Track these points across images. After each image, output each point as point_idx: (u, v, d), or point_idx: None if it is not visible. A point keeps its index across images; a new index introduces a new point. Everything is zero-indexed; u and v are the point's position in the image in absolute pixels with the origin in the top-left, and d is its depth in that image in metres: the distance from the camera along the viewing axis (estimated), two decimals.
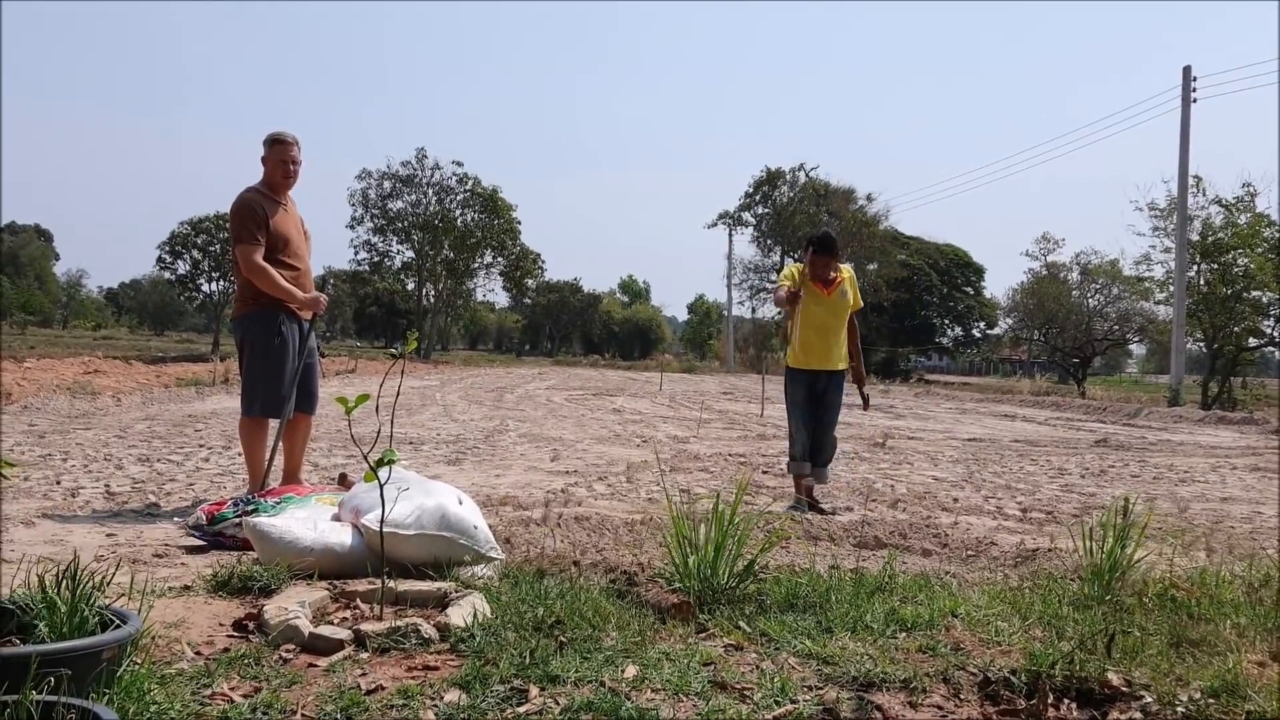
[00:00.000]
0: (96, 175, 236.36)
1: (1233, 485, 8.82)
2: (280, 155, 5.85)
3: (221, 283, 53.26)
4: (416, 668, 2.85)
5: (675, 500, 4.08)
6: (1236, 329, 29.54)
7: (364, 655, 2.93)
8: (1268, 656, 3.06)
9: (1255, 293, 28.58)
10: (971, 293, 60.70)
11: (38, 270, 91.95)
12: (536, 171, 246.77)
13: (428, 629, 3.07)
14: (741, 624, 3.33)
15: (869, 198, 54.64)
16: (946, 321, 61.88)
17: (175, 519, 5.22)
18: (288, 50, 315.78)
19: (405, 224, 57.35)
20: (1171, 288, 28.73)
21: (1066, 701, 2.69)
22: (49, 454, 7.79)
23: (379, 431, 3.92)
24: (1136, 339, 49.27)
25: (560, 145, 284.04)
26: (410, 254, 58.78)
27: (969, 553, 5.10)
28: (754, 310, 60.58)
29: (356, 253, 58.72)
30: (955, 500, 7.13)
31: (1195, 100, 27.06)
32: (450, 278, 59.92)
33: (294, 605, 3.19)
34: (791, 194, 56.94)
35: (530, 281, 67.62)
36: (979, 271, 61.41)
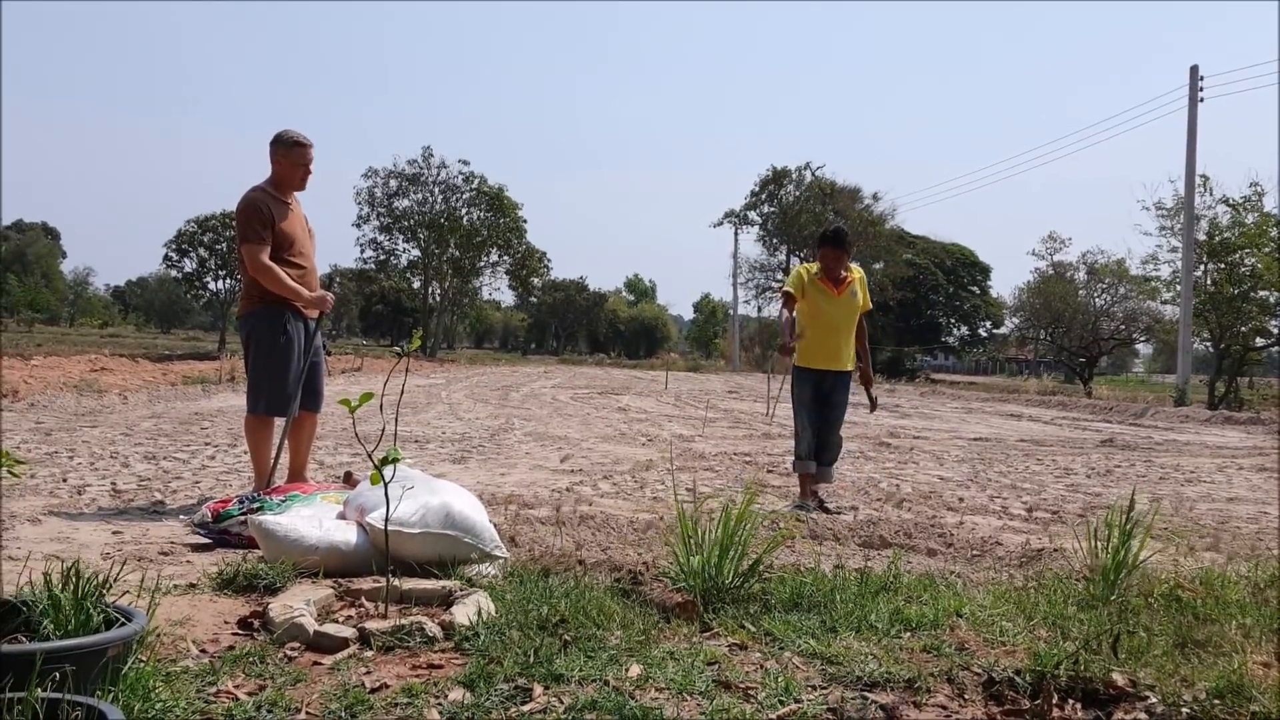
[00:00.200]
0: (103, 173, 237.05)
1: (1239, 485, 8.80)
2: (300, 158, 5.86)
3: (228, 281, 53.37)
4: (421, 666, 2.85)
5: (680, 499, 4.07)
6: (1243, 329, 29.44)
7: (369, 653, 2.93)
8: (1273, 657, 3.05)
9: (1262, 292, 28.47)
10: (977, 292, 60.68)
11: (44, 268, 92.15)
12: (542, 171, 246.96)
13: (432, 627, 3.07)
14: (746, 623, 3.33)
15: (875, 197, 54.68)
16: (952, 321, 61.86)
17: (181, 517, 5.23)
18: (291, 49, 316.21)
19: (411, 222, 57.40)
20: (1178, 287, 28.67)
21: (1071, 702, 2.69)
22: (55, 451, 7.81)
23: (384, 430, 3.93)
24: (1143, 338, 49.20)
25: (565, 144, 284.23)
26: (416, 252, 58.86)
27: (974, 552, 5.09)
28: (760, 309, 60.68)
29: (362, 251, 58.88)
30: (960, 500, 7.12)
31: (1202, 100, 27.02)
32: (456, 276, 59.98)
33: (299, 603, 3.20)
34: (797, 193, 56.93)
35: (536, 280, 67.70)
36: (985, 271, 61.38)
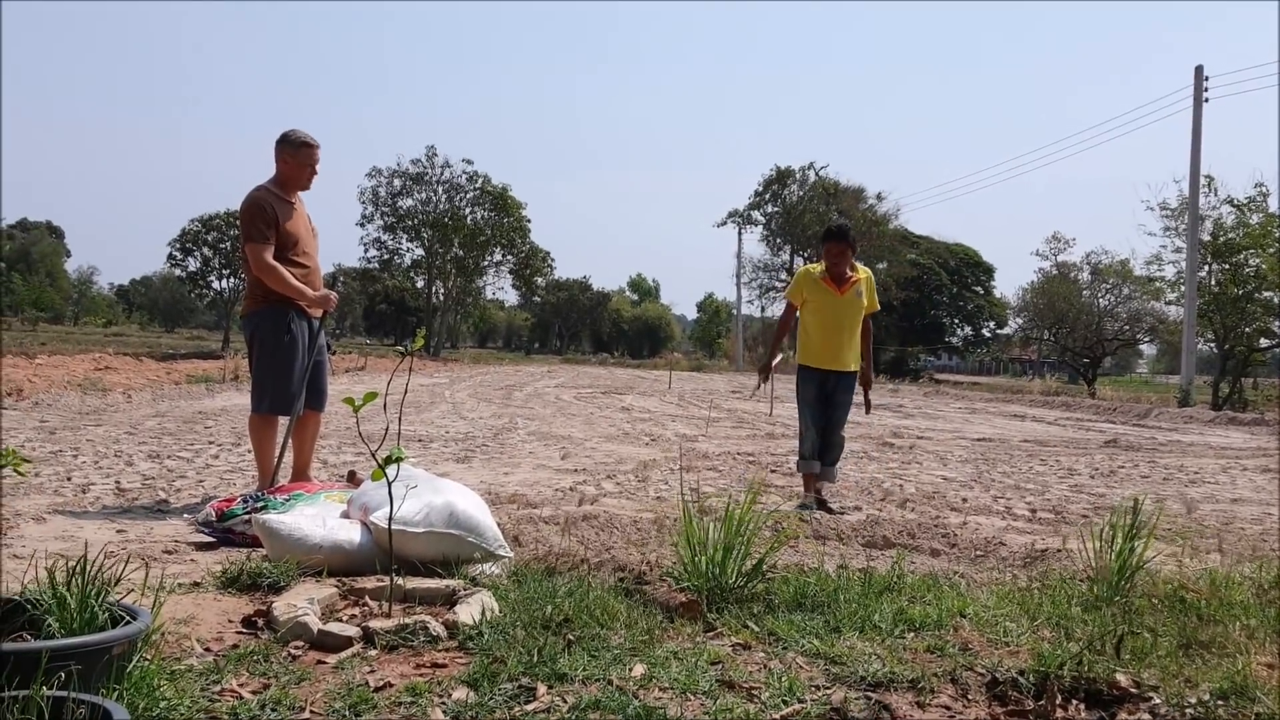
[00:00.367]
0: (107, 173, 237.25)
1: (1243, 486, 8.79)
2: (308, 159, 5.87)
3: (232, 280, 53.41)
4: (425, 665, 2.85)
5: (684, 499, 4.08)
6: (1248, 329, 29.42)
7: (372, 652, 2.94)
8: (1277, 659, 3.05)
9: (1267, 293, 28.45)
10: (981, 292, 60.60)
11: (49, 267, 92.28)
12: (545, 170, 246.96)
13: (436, 626, 3.08)
14: (749, 623, 3.33)
15: (879, 197, 54.68)
16: (956, 321, 61.79)
17: (185, 515, 5.23)
18: (294, 49, 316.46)
19: (415, 222, 57.45)
20: (1183, 288, 28.64)
21: (1075, 702, 2.69)
22: (60, 450, 7.82)
23: (387, 429, 3.93)
24: (1147, 339, 49.16)
25: (569, 144, 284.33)
26: (420, 252, 58.93)
27: (978, 553, 5.09)
28: (763, 309, 60.71)
29: (366, 250, 58.97)
30: (964, 500, 7.11)
31: (1207, 100, 26.99)
32: (460, 276, 60.03)
33: (303, 602, 3.20)
34: (801, 193, 56.93)
35: (539, 280, 67.71)
36: (989, 271, 61.32)
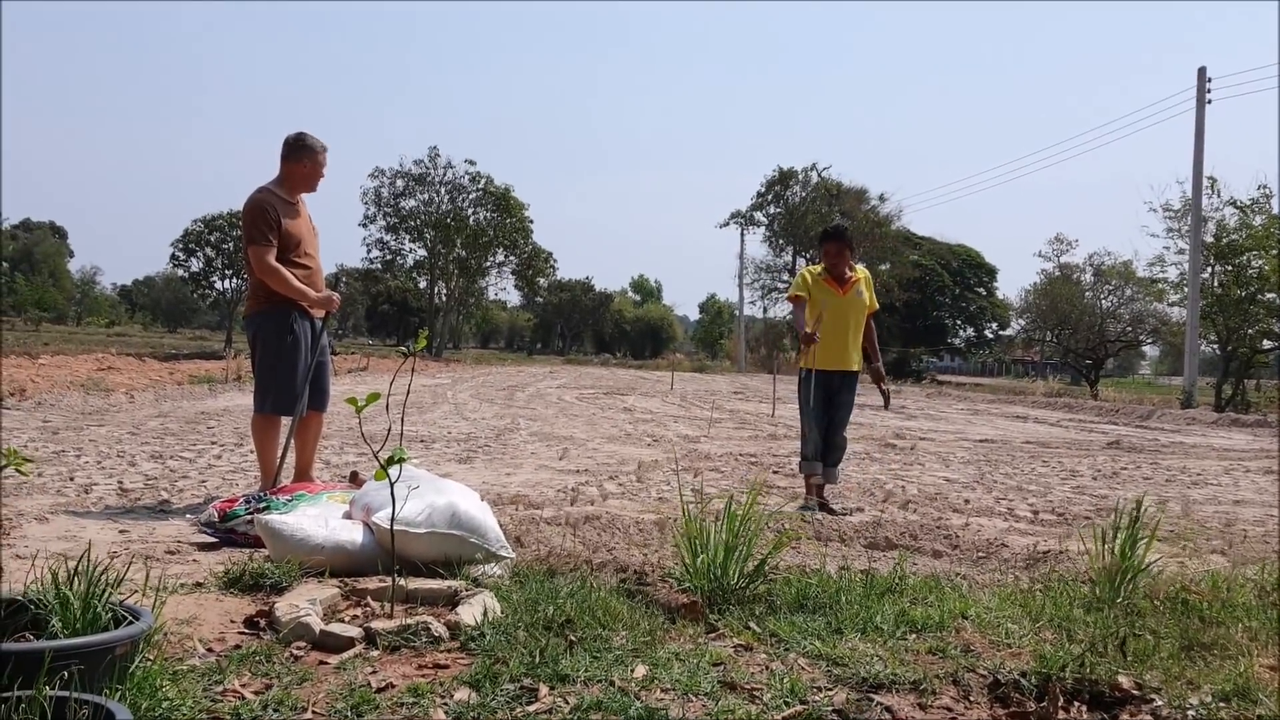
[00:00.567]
0: (110, 173, 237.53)
1: (1245, 488, 8.78)
2: (316, 164, 5.89)
3: (234, 280, 53.46)
4: (427, 666, 2.86)
5: (686, 500, 4.08)
6: (1251, 331, 29.38)
7: (374, 653, 2.94)
8: (1279, 661, 3.05)
9: (1270, 295, 28.41)
10: (984, 293, 60.55)
11: (52, 267, 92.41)
12: (548, 171, 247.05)
13: (438, 627, 3.08)
14: (751, 624, 3.33)
15: (881, 198, 54.64)
16: (959, 322, 61.73)
17: (187, 516, 5.24)
18: (297, 50, 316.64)
19: (418, 222, 57.45)
20: (1185, 289, 28.60)
21: (1077, 704, 2.69)
22: (62, 450, 7.83)
23: (390, 430, 3.93)
24: (1150, 341, 49.08)
25: (572, 145, 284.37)
26: (422, 252, 58.91)
27: (980, 554, 5.09)
28: (765, 310, 60.65)
29: (369, 251, 58.94)
30: (966, 501, 7.11)
31: (1210, 101, 26.96)
32: (462, 276, 60.03)
33: (305, 603, 3.21)
34: (804, 194, 56.90)
35: (542, 280, 67.71)
36: (991, 272, 61.27)
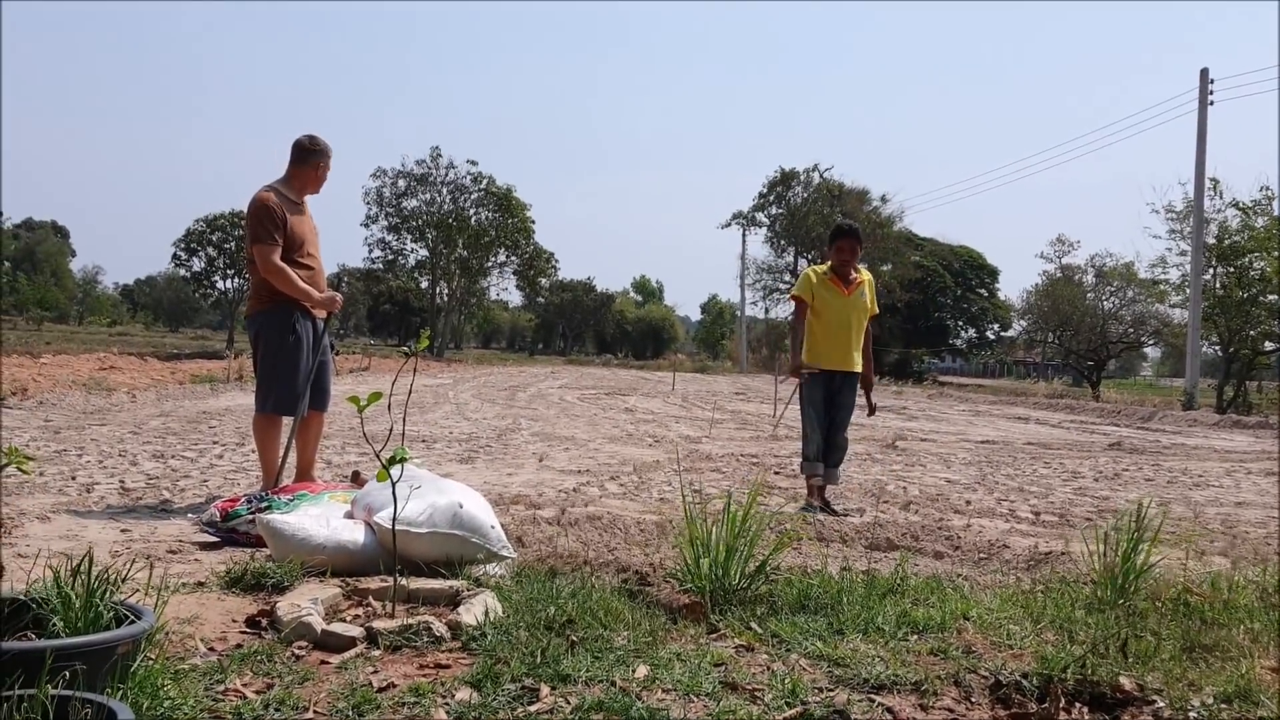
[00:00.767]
0: (112, 172, 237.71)
1: (1247, 490, 8.78)
2: (325, 165, 5.92)
3: (236, 280, 53.45)
4: (428, 666, 2.86)
5: (687, 501, 4.07)
6: (1252, 333, 29.40)
7: (376, 653, 2.94)
8: None
9: (1271, 296, 28.42)
10: (985, 294, 60.52)
11: (54, 266, 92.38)
12: (548, 171, 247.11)
13: (440, 627, 3.08)
14: (753, 625, 3.33)
15: (883, 199, 54.68)
16: (960, 323, 61.71)
17: (189, 515, 5.24)
18: (299, 49, 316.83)
19: (419, 222, 57.48)
20: (1187, 291, 28.60)
21: (1078, 705, 2.69)
22: (64, 449, 7.83)
23: (391, 429, 3.93)
24: (1151, 342, 49.06)
25: (574, 145, 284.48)
26: (424, 252, 58.94)
27: (981, 555, 5.09)
28: (767, 311, 60.62)
29: (371, 251, 59.00)
30: (968, 503, 7.11)
31: (1212, 103, 26.95)
32: (464, 276, 60.06)
33: (306, 602, 3.21)
34: (806, 195, 56.89)
35: (544, 280, 67.73)
36: (993, 273, 61.25)
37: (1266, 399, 29.21)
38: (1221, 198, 28.91)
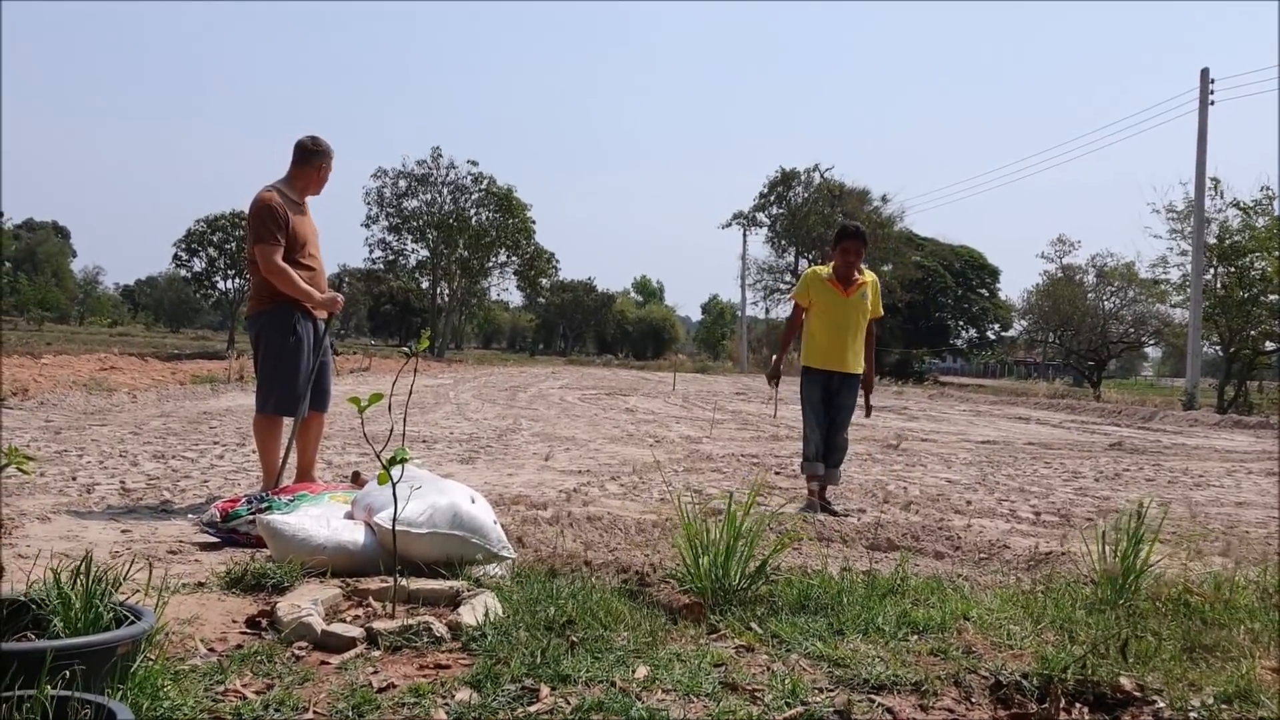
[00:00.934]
0: (113, 173, 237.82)
1: (1248, 490, 8.78)
2: (325, 167, 5.93)
3: (237, 280, 53.44)
4: (428, 666, 2.86)
5: (687, 501, 4.07)
6: (1253, 332, 29.39)
7: (376, 653, 2.94)
8: None
9: (1272, 296, 28.42)
10: (986, 294, 60.51)
11: (55, 267, 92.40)
12: (549, 171, 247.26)
13: (439, 627, 3.08)
14: (753, 625, 3.33)
15: (884, 199, 54.62)
16: (961, 323, 61.70)
17: (189, 516, 5.24)
18: (299, 49, 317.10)
19: (420, 223, 57.47)
20: (1188, 290, 28.59)
21: (1079, 706, 2.69)
22: (65, 450, 7.83)
23: (392, 430, 3.93)
24: (1152, 342, 49.06)
25: (574, 145, 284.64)
26: (425, 253, 58.93)
27: (981, 555, 5.09)
28: (768, 311, 60.59)
29: (371, 251, 58.98)
30: (968, 503, 7.11)
31: (1213, 103, 26.94)
32: (464, 276, 60.05)
33: (306, 603, 3.21)
34: (806, 195, 56.85)
35: (544, 281, 67.71)
36: (994, 273, 61.23)
37: (1267, 399, 29.19)
38: (1222, 197, 28.94)
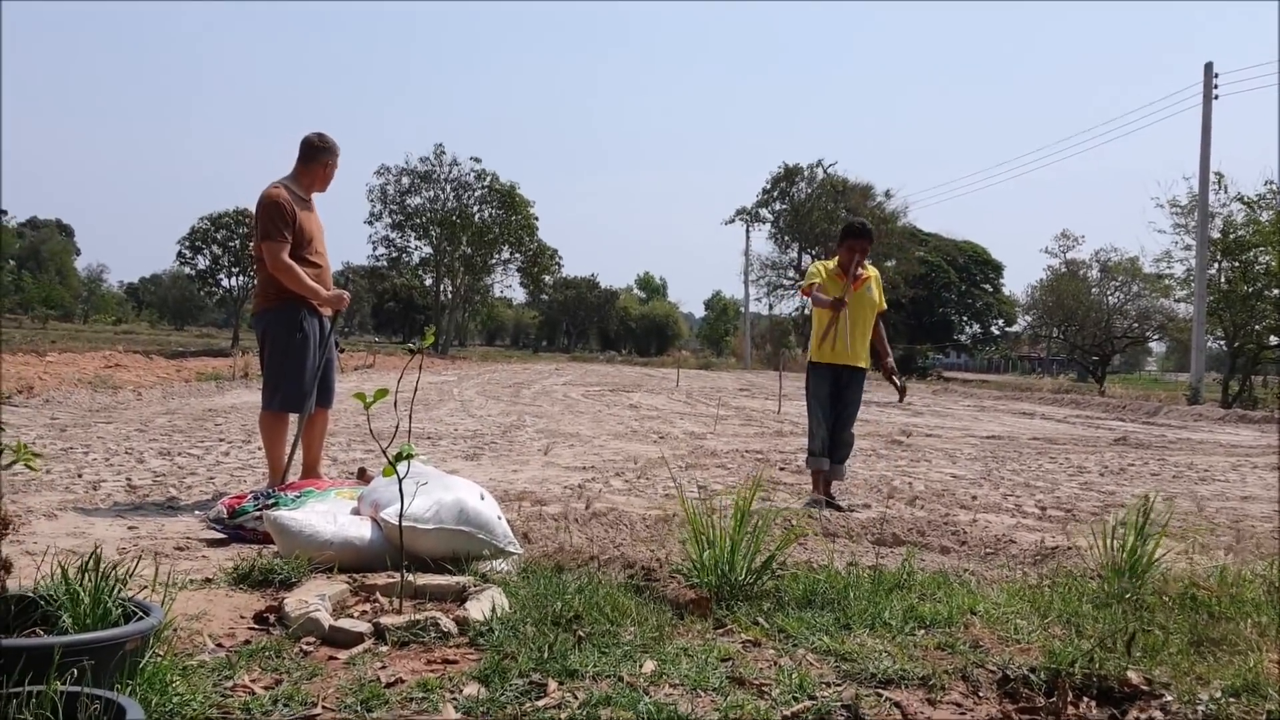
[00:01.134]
0: (117, 171, 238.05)
1: (1253, 484, 8.77)
2: (331, 164, 5.94)
3: (241, 277, 53.57)
4: (436, 661, 2.86)
5: (692, 496, 4.08)
6: (1258, 327, 29.31)
7: (384, 648, 2.94)
8: None
9: (1277, 291, 28.33)
10: (990, 290, 60.45)
11: (59, 265, 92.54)
12: (550, 170, 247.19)
13: (447, 623, 3.08)
14: (759, 620, 3.33)
15: (887, 194, 54.55)
16: (965, 319, 61.62)
17: (196, 512, 5.25)
18: (299, 49, 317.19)
19: (423, 220, 57.52)
20: (1192, 285, 28.54)
21: (1086, 700, 2.68)
22: (71, 447, 7.85)
23: (397, 426, 3.95)
24: (1156, 337, 48.96)
25: (577, 142, 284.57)
26: (428, 250, 58.98)
27: (988, 550, 5.08)
28: (771, 307, 60.52)
29: (375, 248, 59.09)
30: (974, 498, 7.10)
31: (1217, 97, 26.88)
32: (468, 273, 60.11)
33: (314, 598, 3.21)
34: (809, 190, 56.78)
35: (547, 277, 67.75)
36: (998, 268, 61.16)
37: (1272, 393, 29.16)
38: (1226, 192, 28.84)
